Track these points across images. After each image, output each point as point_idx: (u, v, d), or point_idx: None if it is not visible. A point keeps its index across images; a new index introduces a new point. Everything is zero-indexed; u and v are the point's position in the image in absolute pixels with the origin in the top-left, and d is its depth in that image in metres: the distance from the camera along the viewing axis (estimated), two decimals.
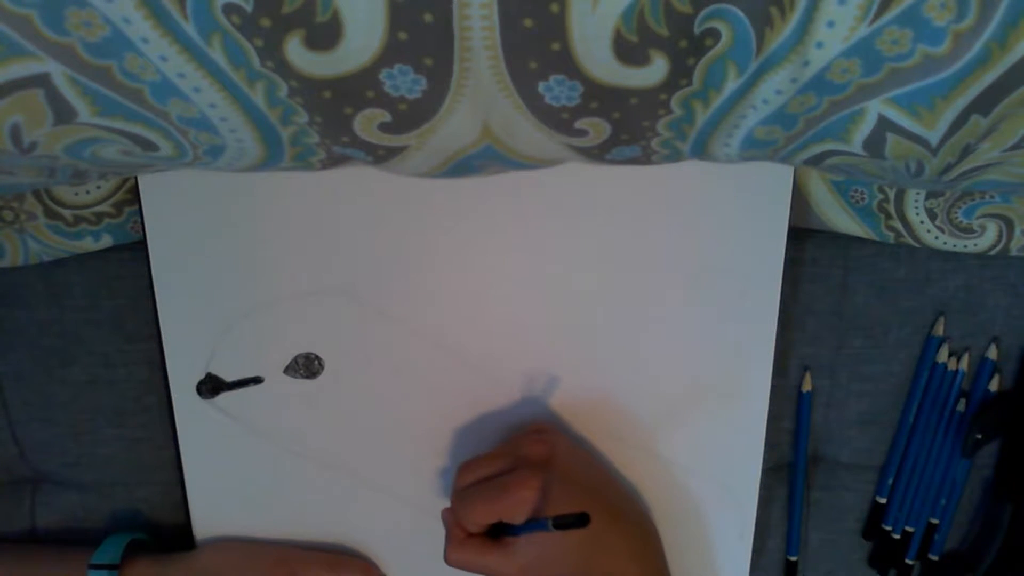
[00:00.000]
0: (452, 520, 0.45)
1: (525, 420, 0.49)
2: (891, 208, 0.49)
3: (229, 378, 0.47)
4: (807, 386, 0.52)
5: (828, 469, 0.55)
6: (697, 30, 0.28)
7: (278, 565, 0.49)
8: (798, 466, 0.54)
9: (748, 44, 0.29)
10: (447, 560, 0.44)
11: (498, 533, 0.44)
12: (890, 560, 0.55)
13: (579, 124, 0.33)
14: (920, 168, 0.34)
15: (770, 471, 0.54)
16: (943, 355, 0.52)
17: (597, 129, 0.33)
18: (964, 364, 0.52)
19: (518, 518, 0.42)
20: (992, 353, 0.52)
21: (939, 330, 0.51)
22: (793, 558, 0.55)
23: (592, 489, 0.45)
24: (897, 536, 0.54)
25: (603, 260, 0.47)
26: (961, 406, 0.52)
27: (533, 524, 0.42)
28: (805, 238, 0.51)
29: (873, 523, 0.55)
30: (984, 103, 0.30)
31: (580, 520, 0.39)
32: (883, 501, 0.54)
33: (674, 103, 0.32)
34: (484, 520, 0.43)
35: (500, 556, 0.43)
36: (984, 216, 0.49)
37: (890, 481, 0.54)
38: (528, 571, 0.43)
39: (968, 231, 0.49)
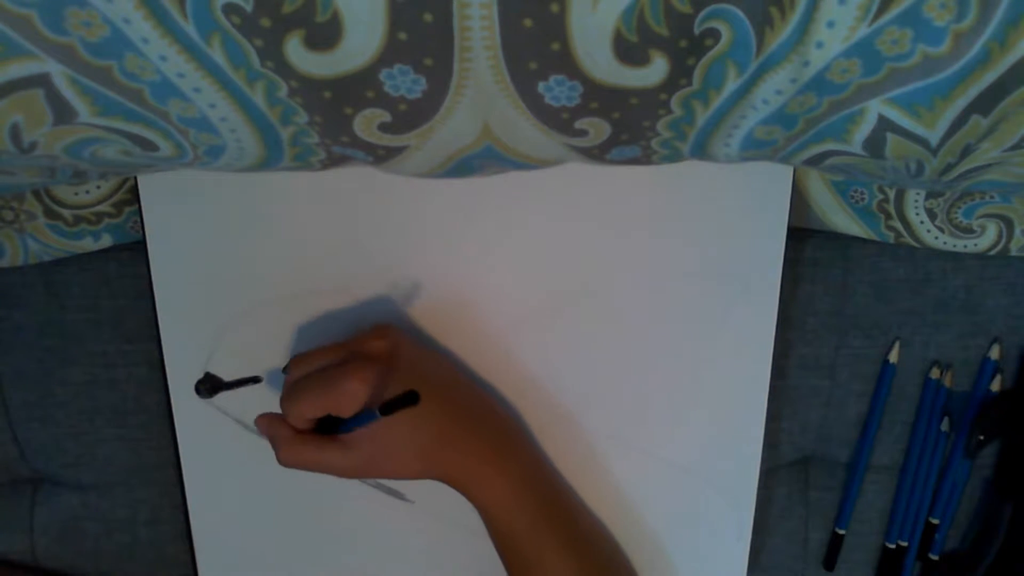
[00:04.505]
0: (276, 421, 0.42)
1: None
2: (891, 208, 0.49)
3: (228, 378, 0.47)
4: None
5: (828, 469, 0.55)
6: (697, 30, 0.28)
7: None
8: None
9: (748, 44, 0.29)
10: (281, 461, 0.41)
11: (330, 431, 0.41)
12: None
13: (579, 124, 0.33)
14: (920, 168, 0.34)
15: (769, 471, 0.54)
16: (935, 372, 0.52)
17: (597, 129, 0.33)
18: (947, 380, 0.52)
19: (347, 412, 0.39)
20: (994, 353, 0.52)
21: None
22: (841, 531, 0.54)
23: (436, 385, 0.42)
24: (892, 545, 0.55)
25: (603, 260, 0.47)
26: (945, 425, 0.52)
27: (362, 416, 0.39)
28: (805, 238, 0.51)
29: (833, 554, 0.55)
30: (984, 103, 0.30)
31: (408, 398, 0.36)
32: (842, 532, 0.55)
33: (674, 103, 0.32)
34: (312, 413, 0.40)
35: (337, 451, 0.40)
36: (984, 216, 0.49)
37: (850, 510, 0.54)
38: (368, 467, 0.41)
39: (968, 231, 0.49)
